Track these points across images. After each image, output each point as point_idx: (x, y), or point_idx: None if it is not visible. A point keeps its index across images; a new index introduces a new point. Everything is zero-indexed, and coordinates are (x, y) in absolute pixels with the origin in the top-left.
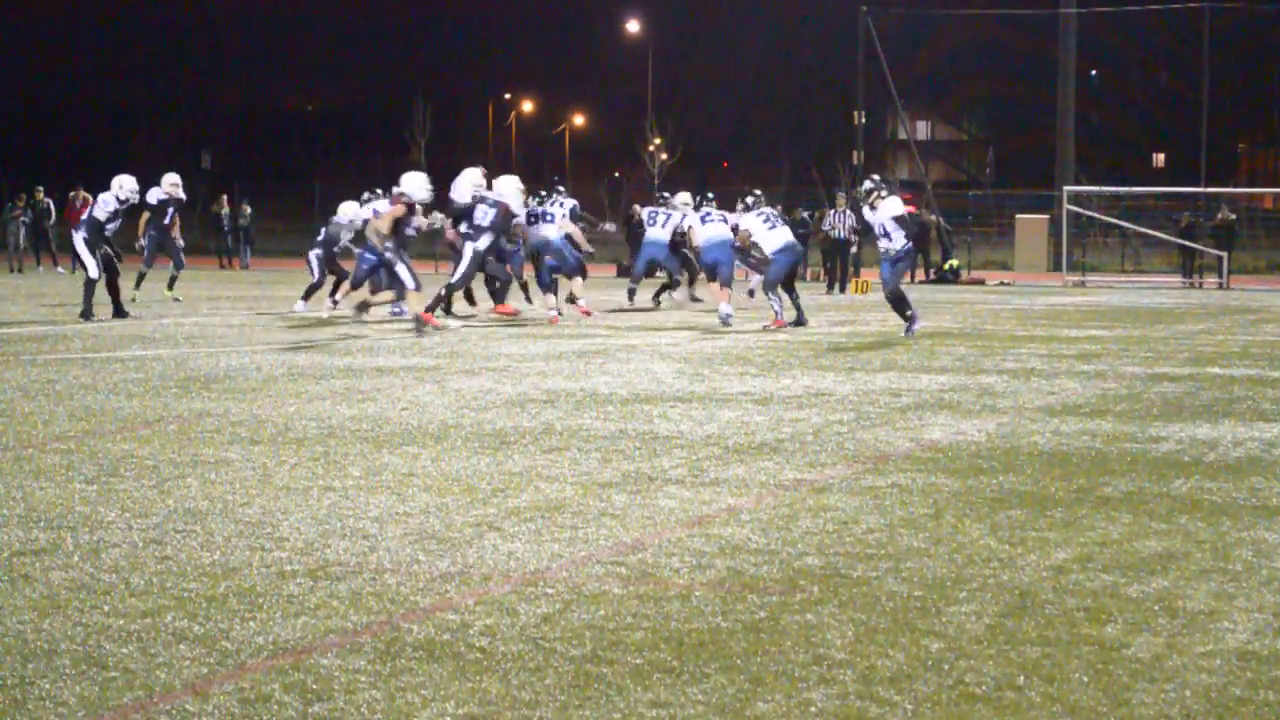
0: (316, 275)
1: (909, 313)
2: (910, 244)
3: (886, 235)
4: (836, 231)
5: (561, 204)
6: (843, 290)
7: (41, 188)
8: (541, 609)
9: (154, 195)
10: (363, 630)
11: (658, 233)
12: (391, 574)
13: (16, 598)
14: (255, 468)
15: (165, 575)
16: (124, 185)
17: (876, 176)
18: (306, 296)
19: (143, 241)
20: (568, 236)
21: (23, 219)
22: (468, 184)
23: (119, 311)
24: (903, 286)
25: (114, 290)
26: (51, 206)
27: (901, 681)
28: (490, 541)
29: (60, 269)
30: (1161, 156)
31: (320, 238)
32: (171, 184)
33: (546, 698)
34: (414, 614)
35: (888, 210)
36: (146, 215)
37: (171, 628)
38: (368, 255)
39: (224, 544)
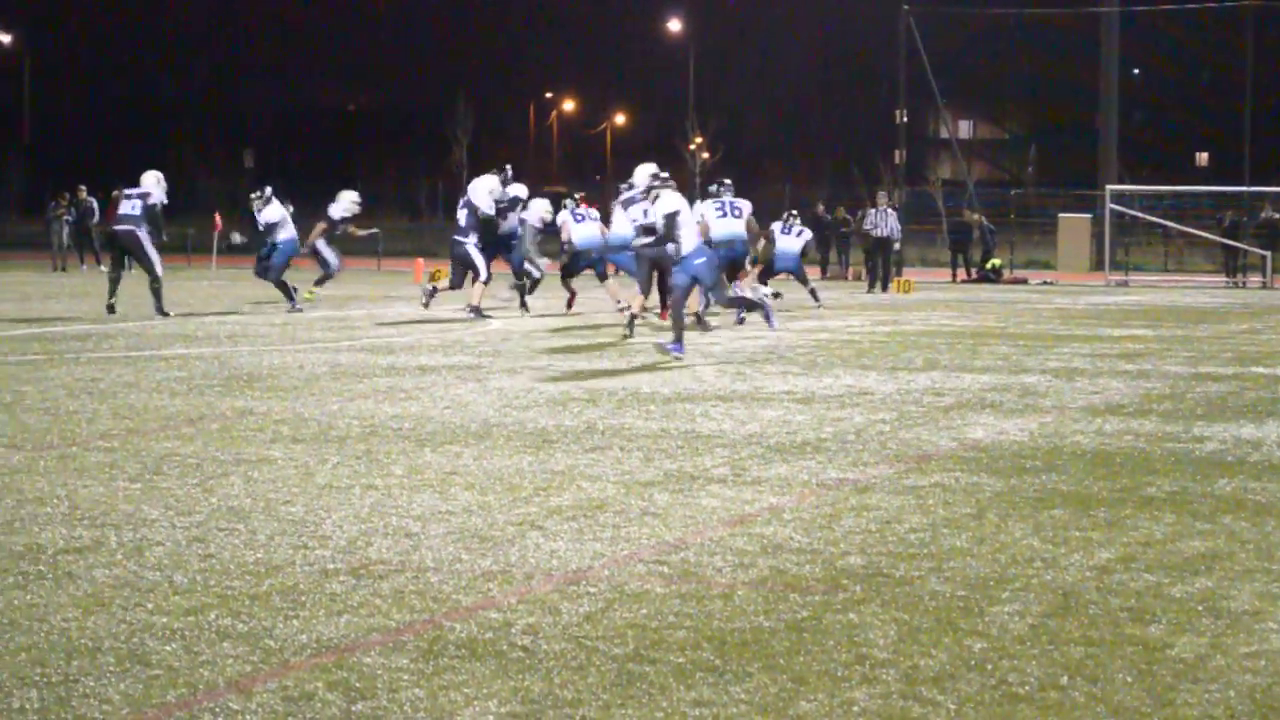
0: (485, 272)
1: (755, 302)
2: (702, 242)
3: (673, 238)
4: (879, 231)
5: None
6: (885, 289)
7: (84, 187)
8: (584, 608)
9: (338, 210)
10: (405, 629)
11: (791, 242)
12: (434, 572)
13: (61, 595)
14: (298, 466)
15: (208, 573)
16: (161, 179)
17: (657, 169)
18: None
19: (322, 249)
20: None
21: (66, 218)
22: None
23: (110, 309)
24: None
25: (114, 286)
26: (95, 206)
27: (944, 681)
28: (532, 540)
29: (103, 268)
30: (1205, 155)
31: (469, 224)
32: (353, 201)
33: (589, 696)
34: (456, 612)
35: (664, 205)
36: (323, 226)
37: (215, 626)
38: (625, 258)
39: (267, 542)
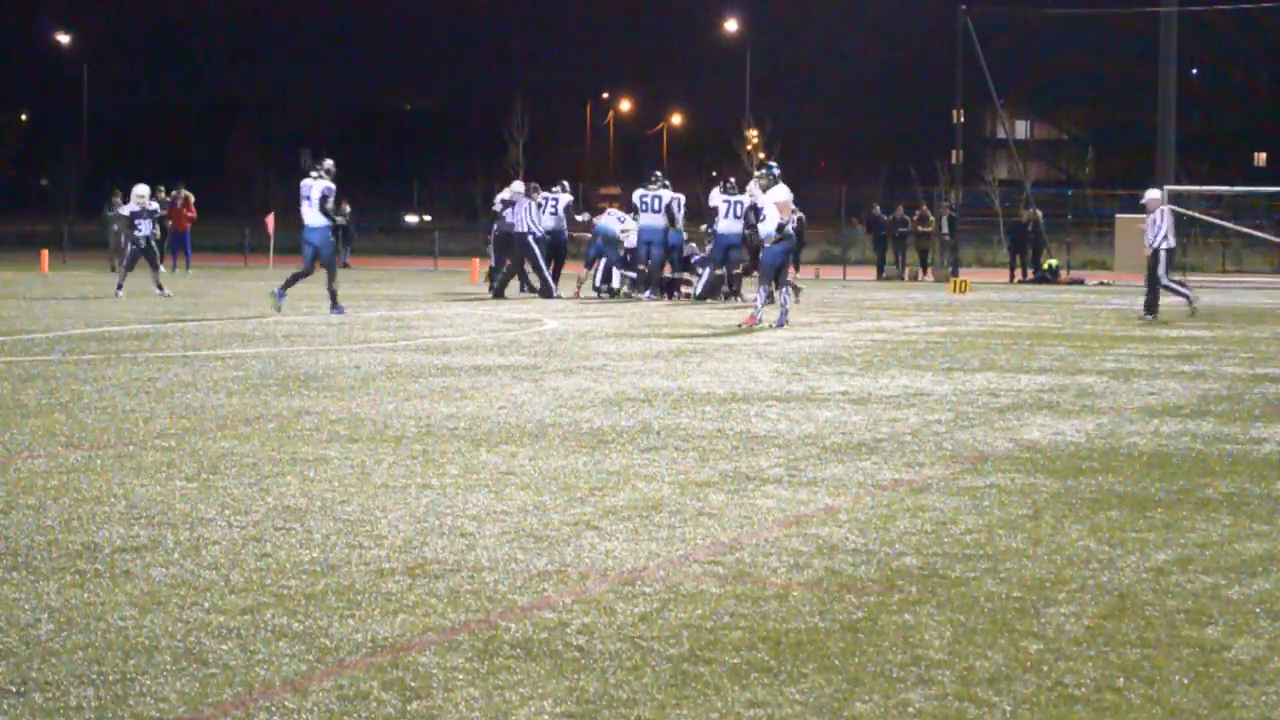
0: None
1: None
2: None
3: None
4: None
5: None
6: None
7: (163, 187)
8: (639, 608)
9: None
10: (461, 628)
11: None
12: (489, 572)
13: (118, 594)
14: (354, 466)
15: (265, 572)
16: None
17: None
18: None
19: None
20: None
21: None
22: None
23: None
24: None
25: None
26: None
27: (1000, 682)
28: (588, 540)
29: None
30: (1263, 155)
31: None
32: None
33: (644, 696)
34: (512, 612)
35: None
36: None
37: (271, 625)
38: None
39: (323, 541)
